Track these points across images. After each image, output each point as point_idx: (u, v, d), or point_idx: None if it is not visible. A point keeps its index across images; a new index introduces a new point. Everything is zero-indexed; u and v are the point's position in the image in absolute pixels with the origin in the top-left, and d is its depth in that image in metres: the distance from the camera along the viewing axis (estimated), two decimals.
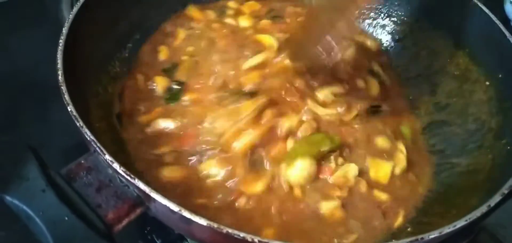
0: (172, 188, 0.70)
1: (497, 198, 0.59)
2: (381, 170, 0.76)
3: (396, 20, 1.03)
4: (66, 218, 0.52)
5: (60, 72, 0.65)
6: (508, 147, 0.73)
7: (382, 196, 0.73)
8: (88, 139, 0.58)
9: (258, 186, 0.71)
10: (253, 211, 0.69)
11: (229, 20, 0.98)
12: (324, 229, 0.70)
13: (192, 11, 0.99)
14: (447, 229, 0.55)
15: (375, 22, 1.04)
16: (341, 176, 0.73)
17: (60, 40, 0.70)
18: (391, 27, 1.03)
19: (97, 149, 0.57)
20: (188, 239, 0.78)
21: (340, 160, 0.75)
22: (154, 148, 0.75)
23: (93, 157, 0.60)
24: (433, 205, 0.75)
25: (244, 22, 0.97)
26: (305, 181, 0.72)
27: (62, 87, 0.64)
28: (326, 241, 0.69)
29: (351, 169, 0.74)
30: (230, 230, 0.52)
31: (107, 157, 0.56)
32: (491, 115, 0.81)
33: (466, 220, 0.57)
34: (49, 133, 0.83)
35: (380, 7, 1.03)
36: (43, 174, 0.55)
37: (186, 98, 0.82)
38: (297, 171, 0.71)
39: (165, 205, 0.54)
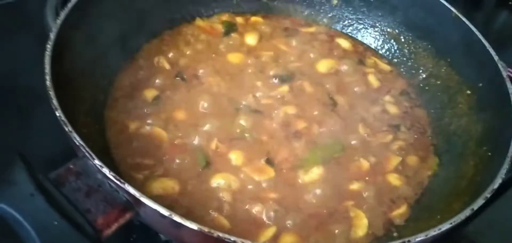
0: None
1: (480, 202, 0.61)
2: None
3: (379, 30, 1.05)
4: (55, 223, 0.51)
5: (48, 77, 0.65)
6: (489, 154, 0.75)
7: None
8: (77, 143, 0.58)
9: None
10: None
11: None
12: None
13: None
14: (433, 232, 0.57)
15: (359, 33, 1.07)
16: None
17: (48, 45, 0.69)
18: (375, 37, 1.06)
19: (86, 153, 0.57)
20: None
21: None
22: (140, 157, 0.76)
23: (82, 162, 0.59)
24: (418, 211, 0.77)
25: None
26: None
27: (50, 92, 0.63)
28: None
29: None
30: (221, 234, 0.52)
31: (97, 161, 0.56)
32: (472, 124, 0.84)
33: (451, 223, 0.58)
34: (34, 138, 0.82)
35: (364, 17, 1.06)
36: (32, 179, 0.54)
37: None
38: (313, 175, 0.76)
39: (155, 210, 0.54)
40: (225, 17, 1.04)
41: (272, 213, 0.71)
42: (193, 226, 0.53)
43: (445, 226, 0.58)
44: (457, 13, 0.91)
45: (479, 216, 0.78)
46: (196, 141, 0.79)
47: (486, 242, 0.79)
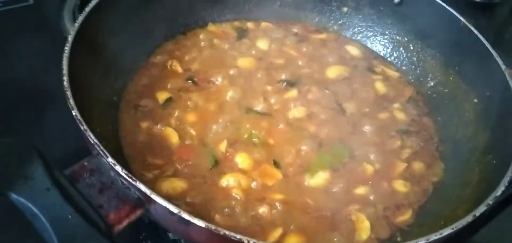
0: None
1: (482, 208, 0.62)
2: None
3: (388, 38, 1.06)
4: (70, 217, 0.53)
5: (65, 78, 0.67)
6: (494, 162, 0.76)
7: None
8: (92, 142, 0.60)
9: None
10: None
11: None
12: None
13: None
14: (434, 237, 0.58)
15: (368, 40, 1.08)
16: None
17: (66, 47, 0.72)
18: (384, 44, 1.07)
19: (100, 151, 0.59)
20: None
21: None
22: (151, 157, 0.78)
23: (96, 160, 0.62)
24: (422, 217, 0.78)
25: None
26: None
27: (67, 92, 0.66)
28: None
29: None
30: (227, 232, 0.54)
31: (110, 159, 0.58)
32: (478, 132, 0.85)
33: (452, 228, 0.59)
34: (50, 136, 0.85)
35: (374, 25, 1.08)
36: (48, 174, 0.57)
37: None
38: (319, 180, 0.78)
39: (165, 207, 0.56)
40: (237, 22, 1.07)
41: (277, 215, 0.73)
42: (201, 223, 0.55)
43: (447, 231, 0.59)
44: (465, 22, 0.92)
45: (489, 225, 0.79)
46: (206, 143, 0.81)
47: None
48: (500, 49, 0.88)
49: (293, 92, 0.92)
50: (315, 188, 0.78)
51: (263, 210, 0.73)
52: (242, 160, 0.79)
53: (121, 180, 0.60)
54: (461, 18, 0.93)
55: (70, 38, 0.74)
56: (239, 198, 0.74)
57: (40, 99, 0.95)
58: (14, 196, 0.54)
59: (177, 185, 0.74)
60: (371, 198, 0.78)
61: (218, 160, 0.79)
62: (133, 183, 0.57)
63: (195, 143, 0.81)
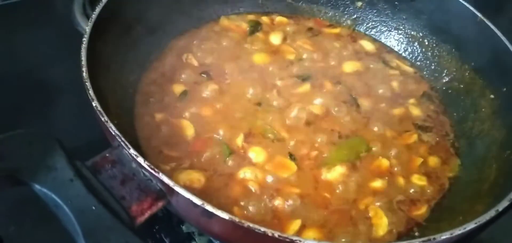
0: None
1: (505, 203, 0.62)
2: None
3: (403, 33, 1.06)
4: (93, 208, 0.53)
5: (84, 69, 0.67)
6: None
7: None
8: (113, 133, 0.60)
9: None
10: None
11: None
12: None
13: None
14: (458, 231, 0.58)
15: (382, 35, 1.08)
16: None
17: (84, 39, 0.72)
18: (398, 39, 1.06)
19: (122, 143, 0.59)
20: (196, 239, 0.79)
21: None
22: (167, 149, 0.78)
23: (117, 151, 0.62)
24: (439, 212, 0.78)
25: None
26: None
27: (86, 83, 0.66)
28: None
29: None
30: (251, 225, 0.54)
31: (132, 151, 0.58)
32: (495, 128, 0.84)
33: (476, 223, 0.59)
34: (62, 128, 0.85)
35: (388, 20, 1.07)
36: (70, 165, 0.57)
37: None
38: (336, 174, 0.78)
39: (188, 199, 0.56)
40: (250, 16, 1.06)
41: (294, 208, 0.73)
42: (225, 215, 0.54)
43: (470, 226, 0.59)
44: (482, 17, 0.92)
45: (495, 223, 0.79)
46: (221, 136, 0.81)
47: None
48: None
49: (307, 87, 0.92)
50: (332, 181, 0.77)
51: (278, 202, 0.73)
52: (257, 153, 0.79)
53: (142, 172, 0.60)
54: (478, 13, 0.92)
55: (88, 29, 0.73)
56: (254, 190, 0.74)
57: (52, 91, 0.95)
58: (37, 186, 0.54)
59: (194, 177, 0.74)
60: (388, 192, 0.77)
61: (233, 153, 0.78)
62: (156, 174, 0.57)
63: (210, 135, 0.81)
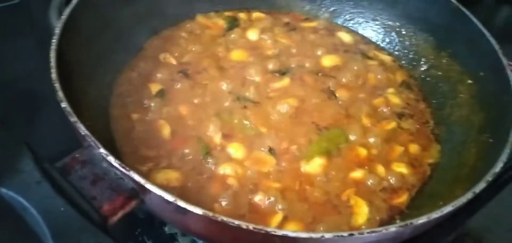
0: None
1: (482, 185, 0.62)
2: None
3: (380, 23, 1.06)
4: (62, 209, 0.52)
5: (53, 70, 0.66)
6: (491, 140, 0.76)
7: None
8: (82, 133, 0.59)
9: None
10: None
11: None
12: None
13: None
14: (435, 215, 0.57)
15: (360, 27, 1.08)
16: None
17: (53, 40, 0.71)
18: (375, 30, 1.06)
19: (91, 143, 0.58)
20: (179, 239, 0.78)
21: None
22: (144, 149, 0.77)
23: (88, 151, 0.60)
24: (420, 199, 0.77)
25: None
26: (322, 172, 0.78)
27: (55, 84, 0.64)
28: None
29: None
30: (225, 218, 0.53)
31: (102, 150, 0.57)
32: (473, 112, 0.84)
33: (453, 206, 0.58)
34: (41, 133, 0.84)
35: (365, 11, 1.07)
36: (38, 167, 0.55)
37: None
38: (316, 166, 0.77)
39: (160, 196, 0.54)
40: (227, 13, 1.05)
41: (275, 202, 0.72)
42: (198, 210, 0.53)
43: (447, 209, 0.58)
44: (457, 3, 0.92)
45: (483, 211, 0.79)
46: (199, 134, 0.80)
47: (492, 238, 0.80)
48: (491, 32, 0.87)
49: (285, 81, 0.91)
50: (312, 173, 0.77)
51: (259, 198, 0.72)
52: (236, 149, 0.78)
53: (114, 171, 0.59)
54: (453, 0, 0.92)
55: (57, 31, 0.72)
56: (234, 186, 0.73)
57: (30, 98, 0.94)
58: (3, 190, 0.53)
59: (172, 176, 0.73)
60: (368, 182, 0.77)
61: (210, 150, 0.77)
62: (127, 173, 0.56)
63: (187, 133, 0.80)
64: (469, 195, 0.60)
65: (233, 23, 1.03)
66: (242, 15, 1.06)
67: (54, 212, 0.52)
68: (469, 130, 0.82)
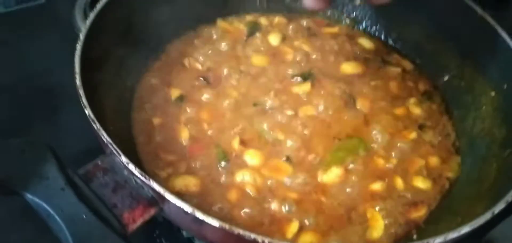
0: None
1: (501, 205, 0.61)
2: None
3: (403, 31, 1.05)
4: (84, 216, 0.54)
5: (77, 77, 0.68)
6: None
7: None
8: (105, 141, 0.60)
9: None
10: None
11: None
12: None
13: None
14: (452, 235, 0.57)
15: (382, 33, 1.07)
16: None
17: (77, 45, 0.72)
18: (398, 37, 1.05)
19: (114, 150, 0.59)
20: None
21: None
22: (164, 154, 0.78)
23: (109, 159, 0.62)
24: (438, 213, 0.77)
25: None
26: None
27: (80, 91, 0.66)
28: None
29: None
30: (241, 232, 0.54)
31: (123, 158, 0.58)
32: (496, 126, 0.83)
33: (471, 226, 0.58)
34: (64, 135, 0.85)
35: (387, 17, 1.06)
36: (62, 174, 0.57)
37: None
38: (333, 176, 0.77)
39: (179, 206, 0.56)
40: (249, 18, 1.06)
41: (291, 211, 0.72)
42: (215, 222, 0.54)
43: (465, 229, 0.58)
44: (482, 13, 0.90)
45: (507, 220, 0.78)
46: (217, 140, 0.80)
47: None
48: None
49: (305, 87, 0.91)
50: (329, 184, 0.77)
51: (275, 206, 0.72)
52: (253, 156, 0.79)
53: (134, 179, 0.60)
54: (478, 9, 0.90)
55: (81, 36, 0.74)
56: (252, 194, 0.74)
57: (54, 98, 0.96)
58: (29, 196, 0.55)
59: (190, 182, 0.74)
60: (386, 194, 0.77)
61: (228, 157, 0.78)
62: (147, 182, 0.57)
63: (206, 139, 0.81)
64: (488, 215, 0.60)
65: (254, 28, 1.03)
66: (263, 20, 1.06)
67: (77, 220, 0.53)
68: (491, 144, 0.81)
